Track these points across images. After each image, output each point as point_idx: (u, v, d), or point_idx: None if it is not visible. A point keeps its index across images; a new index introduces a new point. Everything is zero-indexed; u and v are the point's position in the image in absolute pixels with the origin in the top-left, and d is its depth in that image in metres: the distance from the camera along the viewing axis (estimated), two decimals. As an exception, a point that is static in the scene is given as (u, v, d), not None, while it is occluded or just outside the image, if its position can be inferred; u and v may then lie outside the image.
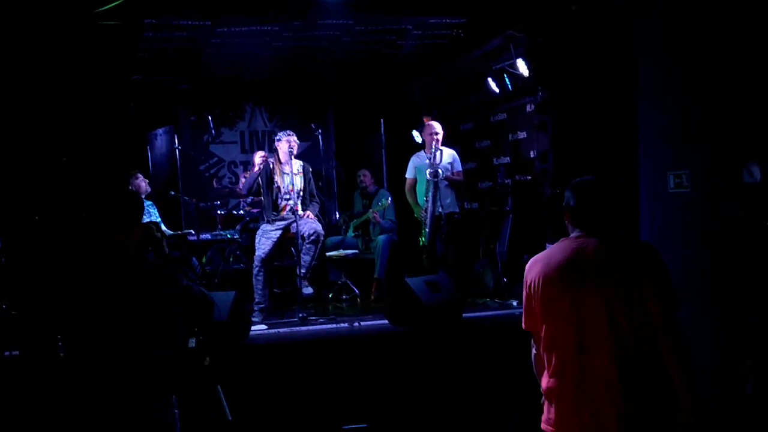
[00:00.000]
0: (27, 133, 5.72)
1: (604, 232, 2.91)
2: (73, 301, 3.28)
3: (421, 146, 8.53)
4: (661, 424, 2.83)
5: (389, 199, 8.63)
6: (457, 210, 8.14)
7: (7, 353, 5.09)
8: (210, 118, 9.43)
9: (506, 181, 9.20)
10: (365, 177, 9.41)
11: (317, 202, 7.74)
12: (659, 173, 6.75)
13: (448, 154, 7.99)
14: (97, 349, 3.26)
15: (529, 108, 8.79)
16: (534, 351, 3.12)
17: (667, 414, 2.82)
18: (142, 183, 8.23)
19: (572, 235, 2.98)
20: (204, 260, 8.43)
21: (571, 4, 7.00)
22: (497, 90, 8.86)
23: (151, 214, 8.10)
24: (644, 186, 6.99)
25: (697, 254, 5.68)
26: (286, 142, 7.34)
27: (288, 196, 7.43)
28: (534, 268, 3.01)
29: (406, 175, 8.25)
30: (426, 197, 7.81)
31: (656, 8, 6.36)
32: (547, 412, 2.98)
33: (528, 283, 3.03)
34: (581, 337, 2.85)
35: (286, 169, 7.42)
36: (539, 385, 3.07)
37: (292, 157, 7.36)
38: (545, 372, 2.99)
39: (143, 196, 8.01)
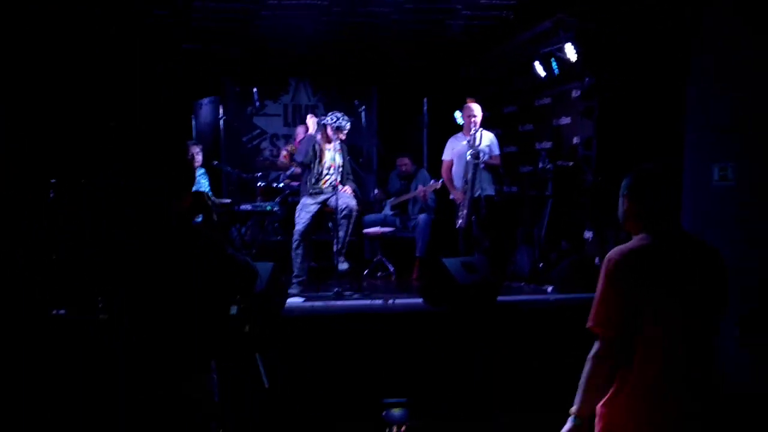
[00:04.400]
0: (79, 97, 5.82)
1: (673, 227, 2.91)
2: (116, 262, 3.33)
3: (461, 127, 8.52)
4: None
5: (440, 181, 8.51)
6: (493, 193, 8.13)
7: (54, 311, 5.19)
8: (255, 90, 9.51)
9: (547, 166, 9.15)
10: (405, 165, 9.39)
11: (353, 180, 7.83)
12: (704, 165, 6.70)
13: (487, 137, 7.96)
14: (138, 311, 3.31)
15: (574, 93, 8.73)
16: (596, 354, 2.91)
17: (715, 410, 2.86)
18: (199, 154, 8.33)
19: (642, 233, 2.91)
20: (243, 230, 8.54)
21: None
22: (543, 74, 8.80)
23: (202, 185, 8.21)
24: (688, 178, 6.94)
25: (741, 251, 5.63)
26: (332, 128, 7.42)
27: (329, 172, 7.53)
28: (625, 260, 2.85)
29: (443, 157, 8.26)
30: (465, 179, 7.81)
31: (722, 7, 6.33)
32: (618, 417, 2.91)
33: (619, 275, 2.85)
34: (664, 338, 2.82)
35: (329, 146, 7.53)
36: (579, 382, 2.96)
37: (338, 135, 7.46)
38: (620, 374, 2.89)
39: (197, 166, 8.16)
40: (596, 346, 2.89)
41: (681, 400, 2.82)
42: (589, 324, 2.90)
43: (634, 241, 2.91)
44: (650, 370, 2.82)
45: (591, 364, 2.90)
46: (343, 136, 7.49)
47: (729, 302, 2.90)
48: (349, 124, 7.46)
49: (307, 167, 7.53)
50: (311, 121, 7.56)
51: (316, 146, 7.46)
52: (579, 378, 2.97)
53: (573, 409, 2.93)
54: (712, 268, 2.90)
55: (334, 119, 7.42)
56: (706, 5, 6.59)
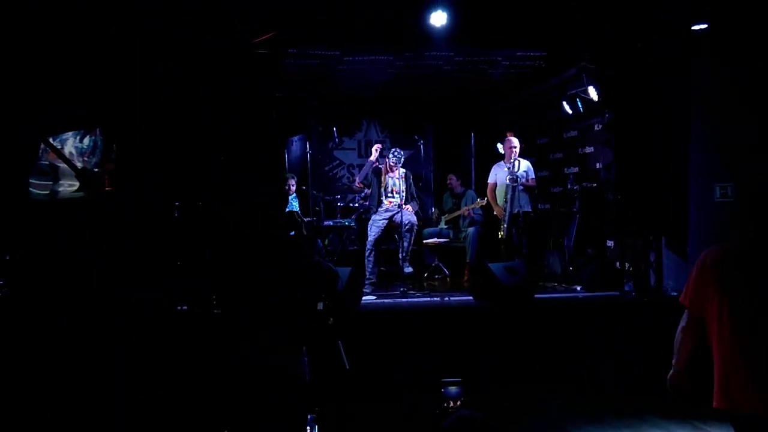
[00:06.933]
0: (197, 135, 5.88)
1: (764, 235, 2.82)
2: (230, 269, 3.43)
3: (502, 156, 8.49)
4: None
5: (485, 199, 8.45)
6: (530, 209, 8.08)
7: (179, 307, 5.32)
8: (334, 128, 9.67)
9: (574, 187, 9.06)
10: (451, 180, 9.34)
11: (416, 202, 7.93)
12: (707, 184, 6.57)
13: (524, 164, 7.97)
14: (246, 305, 3.40)
15: (597, 127, 8.64)
16: (683, 323, 3.02)
17: None
18: (293, 185, 8.49)
19: (744, 235, 2.90)
20: (326, 242, 8.64)
21: (636, 42, 6.87)
22: (570, 111, 8.73)
23: (293, 206, 8.34)
24: (693, 195, 6.80)
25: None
26: (390, 162, 7.66)
27: (391, 195, 7.69)
28: (713, 256, 2.90)
29: (488, 180, 8.26)
30: (505, 198, 7.81)
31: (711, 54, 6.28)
32: (720, 385, 2.84)
33: (705, 266, 2.91)
34: (749, 320, 2.77)
35: (391, 174, 7.73)
36: (672, 356, 3.04)
37: (397, 167, 7.70)
38: (715, 350, 2.87)
39: (291, 193, 8.33)
40: (684, 315, 3.04)
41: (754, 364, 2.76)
42: (680, 299, 3.04)
43: (732, 242, 2.96)
44: (727, 333, 2.83)
45: (679, 327, 3.06)
46: (398, 169, 7.70)
47: None
48: (402, 159, 7.68)
49: (367, 186, 7.80)
50: (375, 147, 7.79)
51: (380, 173, 7.67)
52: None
53: (673, 361, 3.07)
54: None
55: (393, 154, 7.65)
56: (693, 56, 6.52)
